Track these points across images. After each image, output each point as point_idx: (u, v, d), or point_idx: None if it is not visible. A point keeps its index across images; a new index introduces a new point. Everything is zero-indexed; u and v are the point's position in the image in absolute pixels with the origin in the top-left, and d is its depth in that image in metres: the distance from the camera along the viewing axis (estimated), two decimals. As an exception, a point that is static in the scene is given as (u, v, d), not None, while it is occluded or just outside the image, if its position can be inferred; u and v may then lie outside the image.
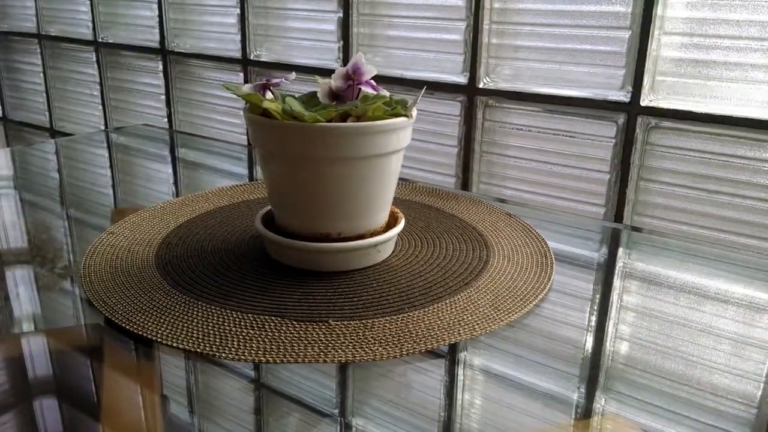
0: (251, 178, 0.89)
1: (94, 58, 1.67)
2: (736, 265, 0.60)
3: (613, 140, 0.89)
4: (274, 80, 0.53)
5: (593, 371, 0.43)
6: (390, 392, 0.40)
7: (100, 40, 1.63)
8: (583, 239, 0.67)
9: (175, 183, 0.85)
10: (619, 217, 0.90)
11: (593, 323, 0.49)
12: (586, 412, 0.39)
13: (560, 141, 0.94)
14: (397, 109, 0.52)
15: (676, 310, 0.50)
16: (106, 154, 0.98)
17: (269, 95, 0.54)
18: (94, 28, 1.63)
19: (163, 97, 1.53)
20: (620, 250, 0.65)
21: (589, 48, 0.89)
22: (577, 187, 0.94)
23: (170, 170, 0.91)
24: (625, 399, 0.40)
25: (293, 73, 0.55)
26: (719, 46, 0.80)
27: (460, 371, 0.42)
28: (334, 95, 0.54)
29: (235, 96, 1.42)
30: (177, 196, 0.76)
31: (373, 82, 0.55)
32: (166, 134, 1.15)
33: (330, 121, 0.50)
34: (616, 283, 0.57)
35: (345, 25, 1.11)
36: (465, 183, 1.04)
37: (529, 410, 0.39)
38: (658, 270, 0.58)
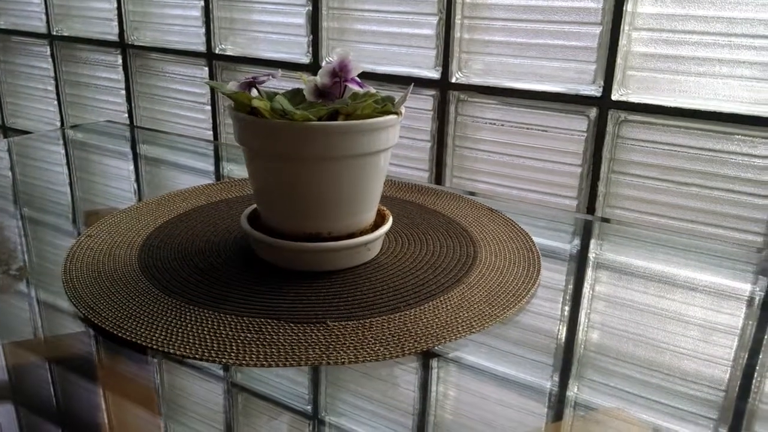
0: (219, 174, 0.87)
1: (48, 52, 1.61)
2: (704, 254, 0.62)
3: (585, 134, 0.91)
4: (261, 78, 0.51)
5: (590, 364, 0.43)
6: (387, 393, 0.40)
7: (54, 33, 1.57)
8: (562, 232, 0.68)
9: (138, 181, 0.83)
10: (591, 209, 0.92)
11: (583, 317, 0.50)
12: (587, 407, 0.39)
13: (533, 135, 0.95)
14: (387, 107, 0.51)
15: (645, 298, 0.52)
16: (69, 153, 0.95)
17: (254, 93, 0.53)
18: (47, 21, 1.57)
19: (123, 92, 1.49)
20: (603, 243, 0.66)
21: (560, 43, 0.90)
22: (549, 180, 0.95)
23: (138, 168, 0.89)
24: (627, 394, 0.40)
25: (279, 70, 0.54)
26: (688, 42, 0.82)
27: (457, 370, 0.42)
28: (321, 92, 0.53)
29: (198, 91, 1.40)
30: (146, 196, 0.74)
31: (358, 79, 0.54)
32: (130, 131, 1.12)
33: (320, 119, 0.49)
34: (600, 275, 0.58)
35: (314, 19, 1.10)
36: (438, 177, 1.05)
37: (527, 407, 0.39)
38: (643, 262, 0.59)
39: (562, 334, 0.47)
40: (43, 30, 1.59)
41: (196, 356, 0.41)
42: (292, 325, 0.45)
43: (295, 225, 0.53)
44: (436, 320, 0.46)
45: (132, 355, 0.43)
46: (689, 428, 0.37)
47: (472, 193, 0.77)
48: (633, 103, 0.86)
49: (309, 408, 0.39)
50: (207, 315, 0.46)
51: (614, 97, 0.87)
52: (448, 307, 0.48)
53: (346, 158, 0.50)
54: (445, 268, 0.55)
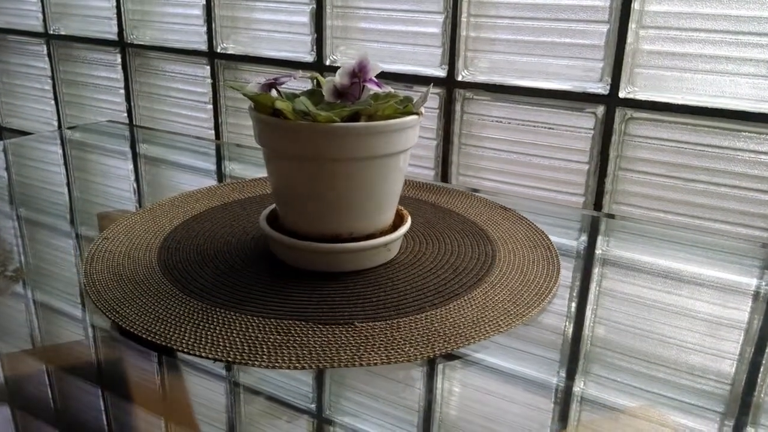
0: (221, 174, 0.87)
1: (45, 51, 1.60)
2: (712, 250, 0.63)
3: (592, 131, 0.91)
4: (282, 79, 0.51)
5: (616, 365, 0.44)
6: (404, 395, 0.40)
7: (51, 32, 1.56)
8: (570, 229, 0.69)
9: (138, 181, 0.82)
10: (598, 206, 0.92)
11: (605, 315, 0.50)
12: (617, 406, 0.40)
13: (539, 133, 0.95)
14: (409, 107, 0.51)
15: (655, 294, 0.52)
16: (74, 154, 0.94)
17: (273, 93, 0.53)
18: (44, 19, 1.56)
19: (122, 91, 1.48)
20: (614, 240, 0.66)
21: (567, 41, 0.90)
22: (556, 178, 0.95)
23: (138, 169, 0.88)
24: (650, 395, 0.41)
25: (300, 71, 0.54)
26: (695, 40, 0.82)
27: (479, 372, 0.43)
28: (339, 93, 0.53)
29: (199, 90, 1.39)
30: (152, 196, 0.74)
31: (376, 79, 0.54)
32: (130, 131, 1.12)
33: (342, 120, 0.49)
34: (614, 272, 0.58)
35: (318, 17, 1.09)
36: (444, 175, 1.05)
37: (548, 407, 0.39)
38: (651, 258, 0.60)
39: (584, 333, 0.47)
40: (40, 29, 1.58)
41: (227, 359, 0.41)
42: (320, 326, 0.45)
43: (316, 226, 0.53)
44: (463, 320, 0.46)
45: (157, 356, 0.43)
46: (696, 421, 0.38)
47: (475, 190, 0.77)
48: (640, 101, 0.86)
49: (313, 406, 0.39)
50: (233, 317, 0.46)
51: (621, 94, 0.87)
52: (474, 307, 0.48)
53: (369, 159, 0.50)
54: (465, 268, 0.55)
